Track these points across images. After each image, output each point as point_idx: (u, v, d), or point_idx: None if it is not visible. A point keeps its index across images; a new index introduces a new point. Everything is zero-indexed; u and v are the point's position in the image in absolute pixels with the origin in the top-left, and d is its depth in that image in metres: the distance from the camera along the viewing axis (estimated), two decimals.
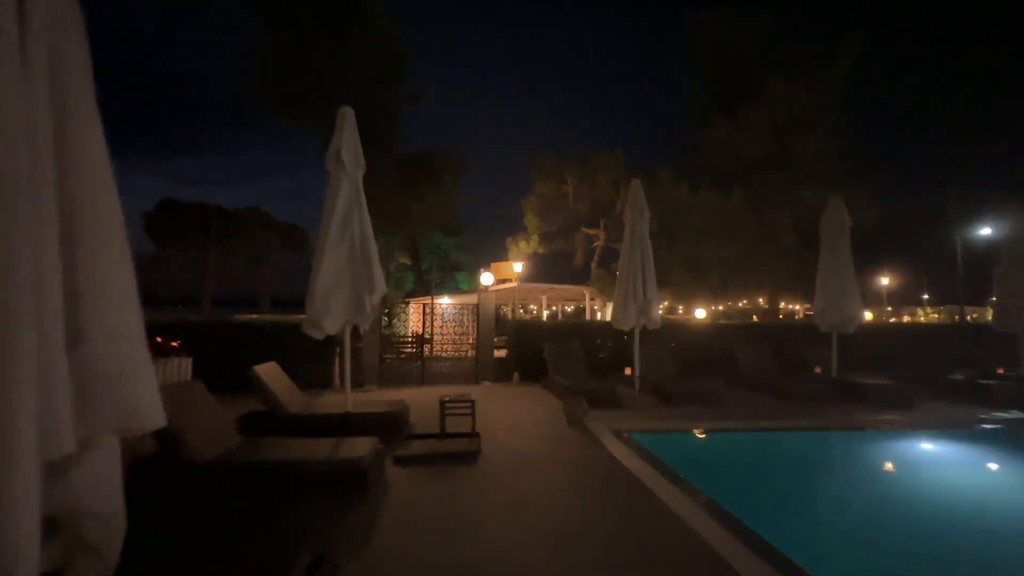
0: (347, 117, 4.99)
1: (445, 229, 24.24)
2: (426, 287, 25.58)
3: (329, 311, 4.60)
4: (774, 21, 22.53)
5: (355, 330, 7.53)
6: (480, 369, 9.94)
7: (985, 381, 8.61)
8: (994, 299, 9.53)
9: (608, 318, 8.35)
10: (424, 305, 11.33)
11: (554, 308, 36.74)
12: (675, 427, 6.09)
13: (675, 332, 10.77)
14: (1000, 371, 9.50)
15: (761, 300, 30.06)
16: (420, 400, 7.67)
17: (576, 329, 10.42)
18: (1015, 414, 7.26)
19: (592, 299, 23.92)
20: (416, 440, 5.34)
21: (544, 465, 4.60)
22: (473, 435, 5.32)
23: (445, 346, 11.81)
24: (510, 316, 15.28)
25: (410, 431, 5.71)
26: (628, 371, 7.92)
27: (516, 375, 9.73)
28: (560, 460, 4.75)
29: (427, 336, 10.97)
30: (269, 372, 5.53)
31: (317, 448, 4.03)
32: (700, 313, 20.14)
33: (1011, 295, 8.75)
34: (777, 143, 21.62)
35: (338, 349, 8.86)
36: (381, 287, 4.96)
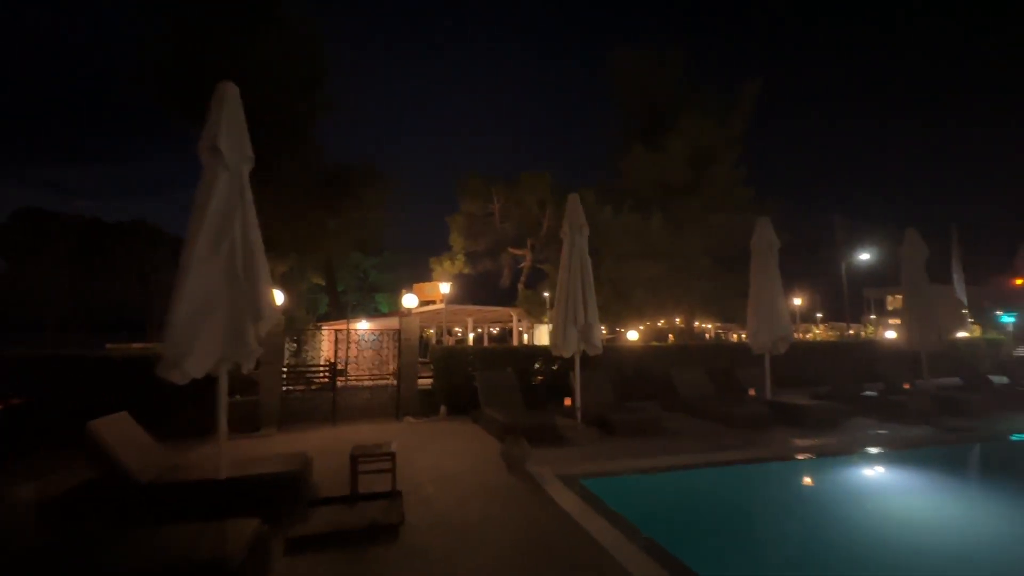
0: (228, 96, 3.89)
1: (365, 248, 22.69)
2: (341, 310, 23.68)
3: (194, 347, 3.40)
4: (689, 59, 24.24)
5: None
6: (402, 402, 8.78)
7: (895, 397, 9.02)
8: (893, 320, 10.19)
9: (537, 341, 7.65)
10: (337, 331, 9.97)
11: (480, 330, 35.84)
12: (626, 468, 5.43)
13: (608, 356, 10.37)
14: (906, 386, 10.07)
15: (678, 320, 31.45)
16: (329, 445, 6.42)
17: (508, 355, 9.63)
18: (955, 429, 7.50)
19: (519, 320, 23.41)
20: (320, 507, 4.18)
21: (485, 535, 3.68)
22: (394, 495, 4.27)
23: (362, 376, 10.49)
24: (434, 341, 14.18)
25: (312, 495, 4.53)
26: (568, 401, 7.24)
27: (443, 409, 8.70)
28: (504, 525, 3.85)
29: (341, 366, 9.62)
30: (114, 428, 4.13)
31: (167, 542, 2.82)
32: (632, 335, 20.28)
33: (913, 315, 9.29)
34: (692, 171, 22.95)
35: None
36: (271, 314, 3.84)
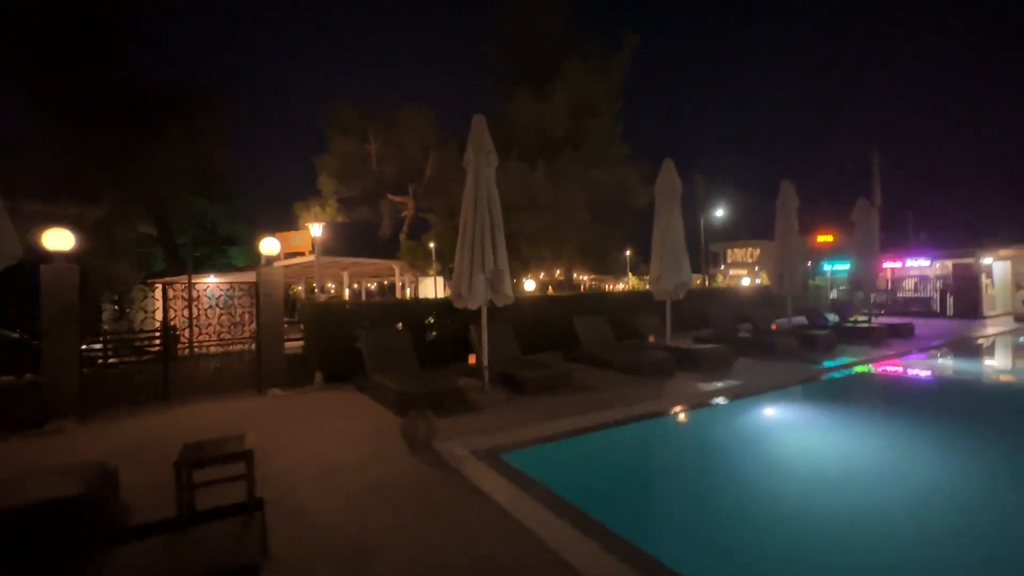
0: None
1: (210, 192, 18.82)
2: (181, 265, 19.77)
3: None
4: (572, 7, 23.67)
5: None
6: (265, 371, 7.09)
7: (766, 337, 9.75)
8: (735, 271, 11.04)
9: (423, 295, 6.56)
10: (169, 287, 7.67)
11: (356, 286, 33.16)
12: (549, 433, 4.71)
13: (505, 307, 9.62)
14: (773, 326, 11.02)
15: (557, 273, 32.28)
16: (156, 437, 4.73)
17: (398, 310, 8.35)
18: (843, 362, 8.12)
19: (402, 274, 21.73)
20: (129, 543, 2.73)
21: (395, 561, 2.63)
22: (251, 510, 2.97)
23: (208, 342, 8.38)
24: (303, 297, 12.19)
25: (118, 523, 3.03)
26: (472, 359, 6.32)
27: (319, 376, 7.22)
28: (420, 539, 2.83)
29: (175, 330, 7.47)
30: None
31: None
32: (530, 285, 19.96)
33: (784, 262, 9.99)
34: (574, 122, 22.87)
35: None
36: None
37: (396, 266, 20.93)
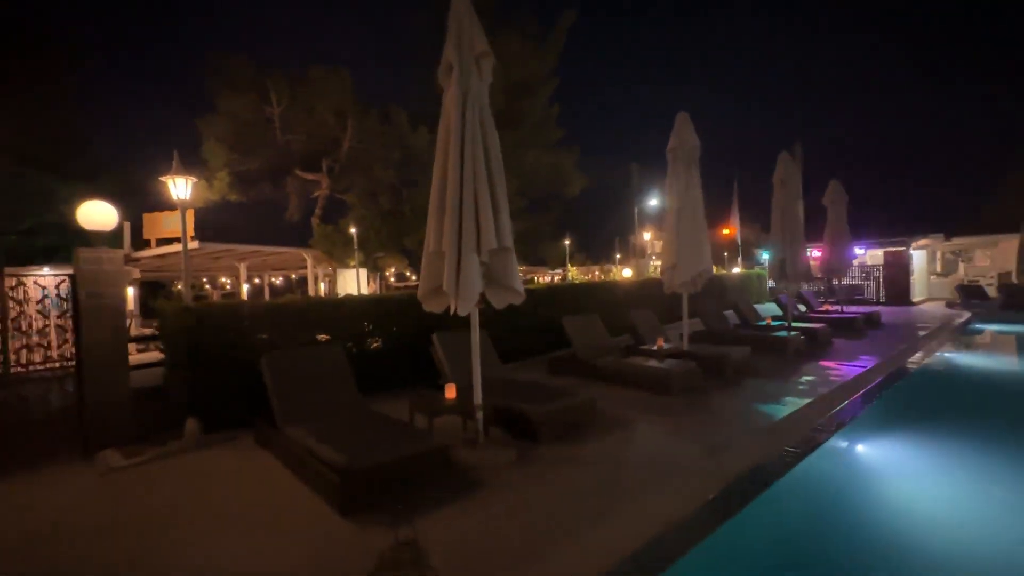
0: None
1: (63, 167, 14.27)
2: (10, 255, 15.09)
3: None
4: None
5: None
6: (94, 421, 4.23)
7: (770, 334, 8.46)
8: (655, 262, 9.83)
9: (342, 291, 4.20)
10: None
11: (258, 281, 28.54)
12: (621, 559, 2.57)
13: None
14: (768, 320, 9.81)
15: None
16: None
17: (320, 313, 5.71)
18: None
19: (316, 265, 18.34)
20: None
21: None
22: None
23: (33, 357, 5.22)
24: (190, 297, 8.93)
25: None
26: (450, 392, 3.99)
27: (193, 425, 4.45)
28: None
29: None
30: None
31: None
32: None
33: (789, 245, 8.70)
34: (508, 101, 20.98)
35: None
36: None
37: (308, 256, 17.55)
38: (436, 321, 5.73)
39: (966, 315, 12.85)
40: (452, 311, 3.54)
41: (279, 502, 3.14)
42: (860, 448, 4.43)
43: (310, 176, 18.77)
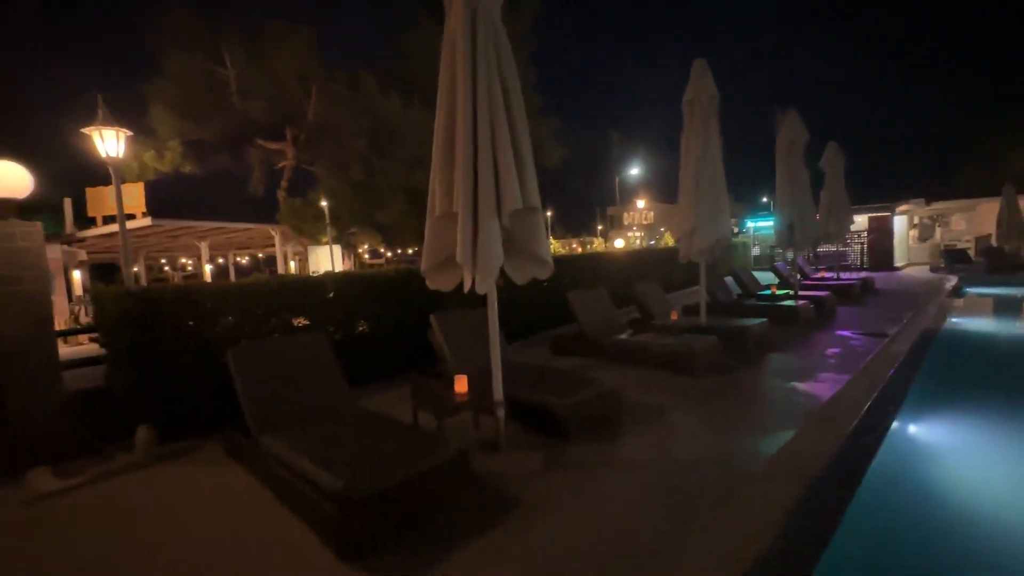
0: None
1: None
2: None
3: None
4: None
5: None
6: (16, 433, 3.42)
7: (778, 304, 8.08)
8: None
9: (316, 270, 3.45)
10: None
11: (222, 260, 26.91)
12: None
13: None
14: (773, 289, 9.44)
15: None
16: None
17: (294, 295, 4.92)
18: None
19: (284, 243, 17.17)
20: None
21: None
22: None
23: None
24: (127, 279, 7.85)
25: None
26: (462, 385, 3.33)
27: (145, 433, 3.68)
28: None
29: None
30: None
31: None
32: None
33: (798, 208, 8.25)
34: None
35: None
36: None
37: (276, 232, 16.36)
38: (428, 300, 5.04)
39: (953, 279, 12.87)
40: (468, 288, 2.85)
41: (256, 537, 2.45)
42: (932, 427, 4.01)
43: (273, 146, 17.35)
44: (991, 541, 2.51)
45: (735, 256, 16.74)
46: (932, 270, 15.45)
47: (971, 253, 16.54)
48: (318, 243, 16.21)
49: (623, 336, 5.84)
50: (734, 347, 5.61)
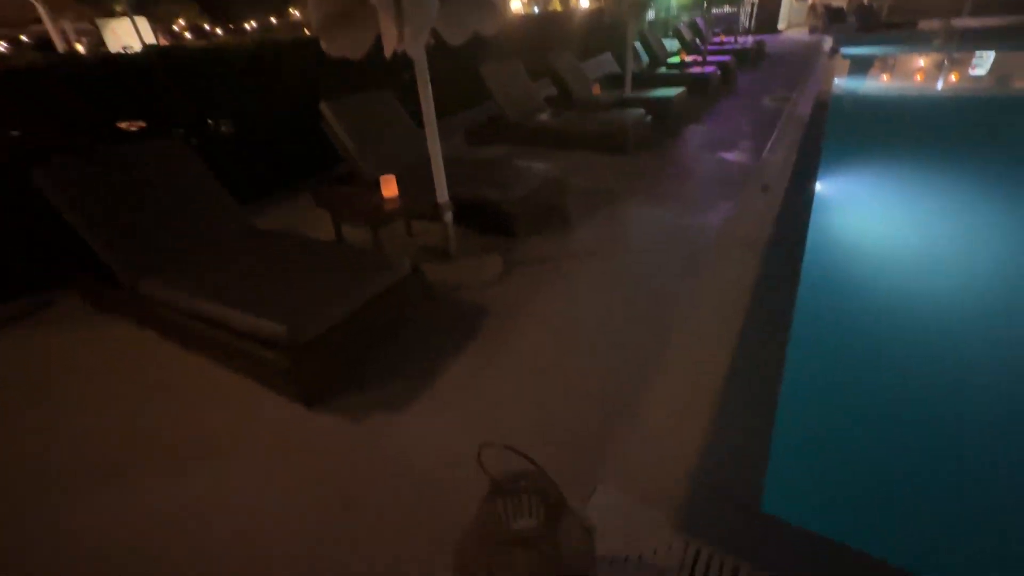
0: None
1: None
2: None
3: None
4: None
5: None
6: None
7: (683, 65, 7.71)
8: None
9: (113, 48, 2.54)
10: None
11: None
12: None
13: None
14: (684, 55, 8.91)
15: None
16: None
17: (122, 76, 3.42)
18: None
19: (58, 19, 12.20)
20: None
21: None
22: None
23: None
24: None
25: None
26: (390, 188, 2.71)
27: None
28: None
29: None
30: None
31: None
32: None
33: None
34: None
35: None
36: None
37: (41, 6, 11.44)
38: (305, 84, 3.92)
39: (829, 40, 13.27)
40: (389, 52, 2.00)
41: (200, 401, 2.00)
42: (848, 182, 4.34)
43: None
44: (928, 263, 2.94)
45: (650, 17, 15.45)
46: (810, 31, 15.75)
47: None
48: (111, 15, 11.71)
49: (545, 116, 5.24)
50: (657, 120, 5.34)
